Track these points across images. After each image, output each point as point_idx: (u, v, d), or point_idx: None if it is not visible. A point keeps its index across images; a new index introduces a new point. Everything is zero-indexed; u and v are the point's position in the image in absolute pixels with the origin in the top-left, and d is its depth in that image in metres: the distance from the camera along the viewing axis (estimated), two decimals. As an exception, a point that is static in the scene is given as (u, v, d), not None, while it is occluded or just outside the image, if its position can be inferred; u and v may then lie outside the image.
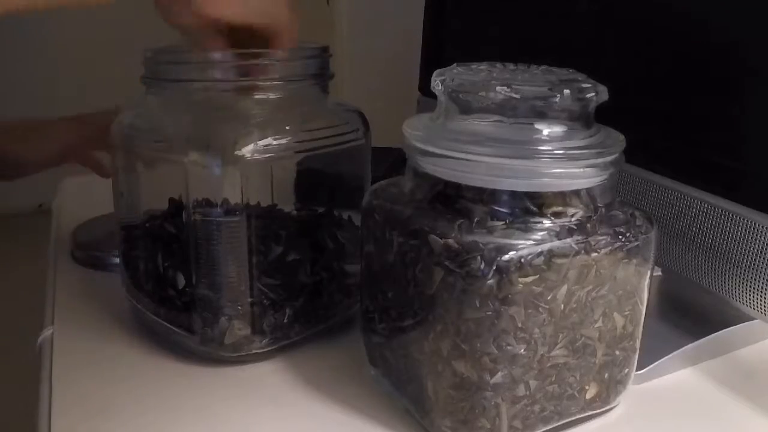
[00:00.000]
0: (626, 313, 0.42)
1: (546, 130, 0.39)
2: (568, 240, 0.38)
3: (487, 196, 0.38)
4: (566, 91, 0.38)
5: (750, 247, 0.44)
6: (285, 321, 0.50)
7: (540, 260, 0.37)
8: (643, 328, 0.44)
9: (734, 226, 0.45)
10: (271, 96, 0.49)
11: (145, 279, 0.53)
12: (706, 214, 0.47)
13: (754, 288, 0.44)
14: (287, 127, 0.47)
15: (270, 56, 0.48)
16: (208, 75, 0.48)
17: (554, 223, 0.38)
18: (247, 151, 0.45)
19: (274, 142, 0.46)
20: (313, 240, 0.53)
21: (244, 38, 0.47)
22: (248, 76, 0.49)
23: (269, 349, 0.50)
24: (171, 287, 0.50)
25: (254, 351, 0.49)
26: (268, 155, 0.46)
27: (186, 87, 0.49)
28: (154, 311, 0.52)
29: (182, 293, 0.49)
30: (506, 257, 0.36)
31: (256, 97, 0.49)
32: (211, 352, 0.49)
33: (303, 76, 0.50)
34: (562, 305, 0.38)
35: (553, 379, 0.40)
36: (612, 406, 0.44)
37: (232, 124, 0.47)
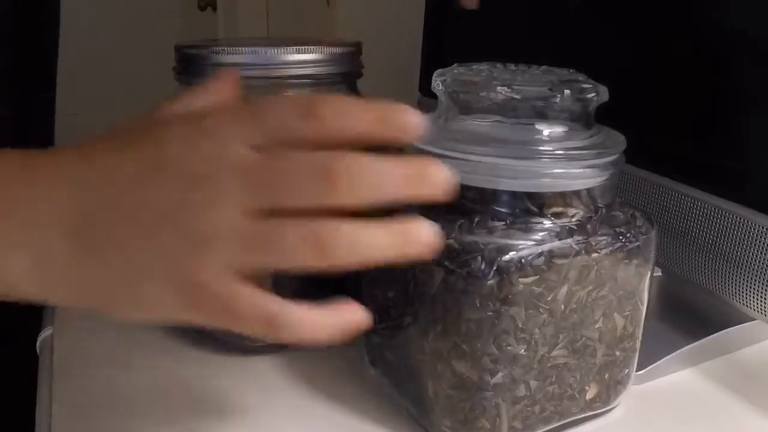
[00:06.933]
0: (626, 313, 0.42)
1: (546, 130, 0.39)
2: (569, 240, 0.38)
3: (487, 197, 0.38)
4: (567, 92, 0.38)
5: (750, 248, 0.44)
6: None
7: (540, 261, 0.37)
8: (643, 328, 0.44)
9: (734, 226, 0.45)
10: (303, 94, 0.49)
11: None
12: (706, 215, 0.47)
13: (754, 288, 0.44)
14: None
15: (302, 52, 0.48)
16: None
17: (555, 223, 0.38)
18: None
19: None
20: None
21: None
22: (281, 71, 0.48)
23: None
24: None
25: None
26: None
27: None
28: None
29: None
30: (507, 257, 0.36)
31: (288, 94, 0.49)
32: (231, 341, 0.49)
33: (334, 74, 0.50)
34: (563, 306, 0.38)
35: (554, 379, 0.40)
36: (612, 406, 0.44)
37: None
